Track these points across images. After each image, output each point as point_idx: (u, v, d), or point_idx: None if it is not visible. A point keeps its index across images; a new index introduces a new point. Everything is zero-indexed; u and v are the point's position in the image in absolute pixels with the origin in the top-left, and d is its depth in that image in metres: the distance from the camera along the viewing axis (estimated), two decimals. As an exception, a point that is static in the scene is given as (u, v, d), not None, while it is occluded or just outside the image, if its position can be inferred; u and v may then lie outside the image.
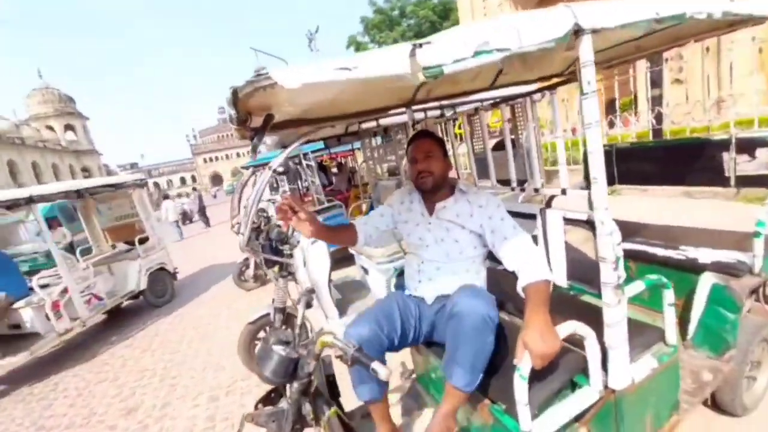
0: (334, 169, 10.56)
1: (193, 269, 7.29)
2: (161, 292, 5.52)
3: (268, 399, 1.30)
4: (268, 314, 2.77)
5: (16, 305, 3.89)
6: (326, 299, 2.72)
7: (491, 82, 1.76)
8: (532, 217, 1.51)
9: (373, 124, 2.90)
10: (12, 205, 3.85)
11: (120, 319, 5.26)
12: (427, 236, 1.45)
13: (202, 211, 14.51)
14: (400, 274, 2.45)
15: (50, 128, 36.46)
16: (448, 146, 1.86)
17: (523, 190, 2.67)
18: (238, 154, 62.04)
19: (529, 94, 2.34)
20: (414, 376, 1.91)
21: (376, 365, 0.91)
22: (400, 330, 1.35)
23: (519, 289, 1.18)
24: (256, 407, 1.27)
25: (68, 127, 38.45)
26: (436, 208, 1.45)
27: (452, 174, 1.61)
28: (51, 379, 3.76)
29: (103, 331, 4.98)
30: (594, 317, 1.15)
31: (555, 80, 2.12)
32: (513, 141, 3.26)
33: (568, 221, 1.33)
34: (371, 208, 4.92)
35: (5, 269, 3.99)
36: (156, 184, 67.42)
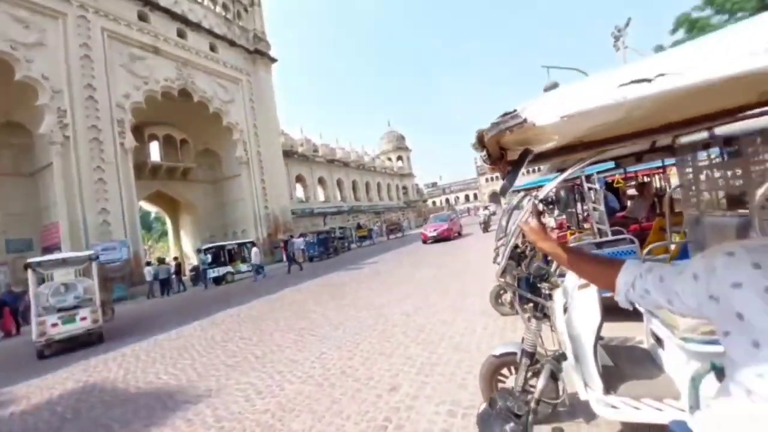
0: (631, 190, 8.43)
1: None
2: None
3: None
4: (515, 353, 2.52)
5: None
6: (589, 363, 2.13)
7: None
8: None
9: (701, 135, 1.96)
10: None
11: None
12: None
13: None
14: (719, 372, 1.48)
15: (389, 159, 52.65)
16: None
17: None
18: (517, 175, 62.99)
19: None
20: None
21: None
22: None
23: None
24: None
25: (399, 158, 53.93)
26: None
27: None
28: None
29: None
30: None
31: None
32: None
33: None
34: (684, 252, 3.47)
35: None
36: (447, 200, 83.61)
